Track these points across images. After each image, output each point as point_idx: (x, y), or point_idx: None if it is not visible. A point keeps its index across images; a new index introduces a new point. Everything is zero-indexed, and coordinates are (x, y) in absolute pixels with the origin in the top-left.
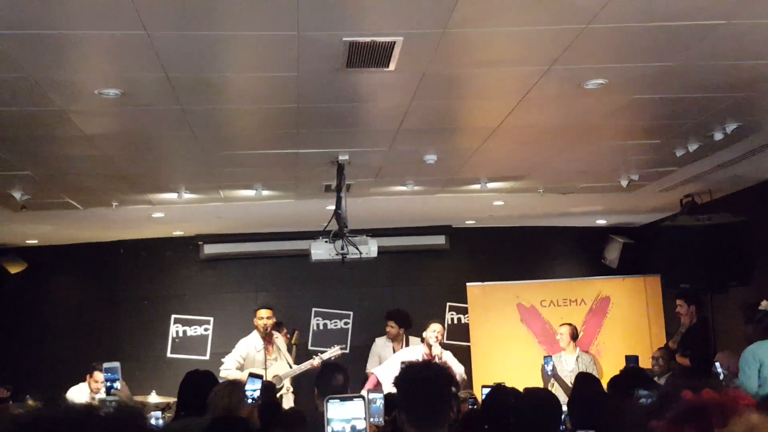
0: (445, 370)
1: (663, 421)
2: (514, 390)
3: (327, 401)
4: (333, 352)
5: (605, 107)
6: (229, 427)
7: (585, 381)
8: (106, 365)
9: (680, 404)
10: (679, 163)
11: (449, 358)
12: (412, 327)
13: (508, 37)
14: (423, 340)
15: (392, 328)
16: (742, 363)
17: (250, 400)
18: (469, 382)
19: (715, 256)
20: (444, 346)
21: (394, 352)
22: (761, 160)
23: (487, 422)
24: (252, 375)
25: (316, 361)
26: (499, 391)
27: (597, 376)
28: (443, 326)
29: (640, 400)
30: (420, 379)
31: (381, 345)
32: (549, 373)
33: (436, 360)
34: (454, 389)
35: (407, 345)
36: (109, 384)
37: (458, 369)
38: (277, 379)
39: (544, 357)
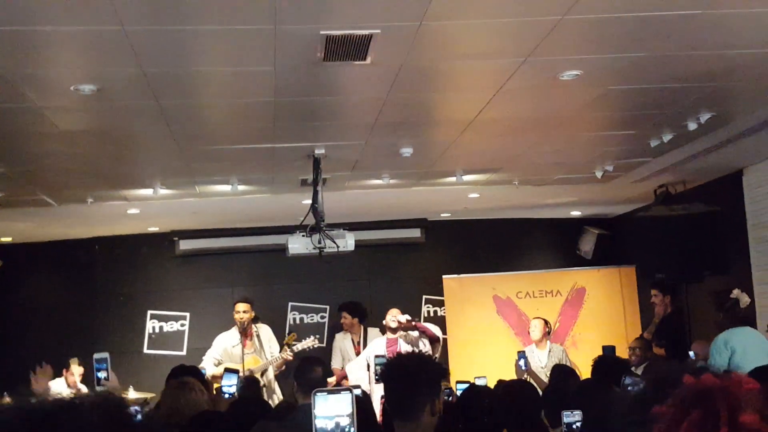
0: (422, 363)
1: (666, 406)
2: (487, 388)
3: (315, 395)
4: (306, 343)
5: (580, 98)
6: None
7: (561, 373)
8: (96, 356)
9: (683, 389)
10: (653, 154)
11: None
12: (368, 318)
13: (484, 29)
14: (383, 330)
15: (345, 318)
16: (713, 350)
17: (227, 396)
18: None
19: (689, 246)
20: None
21: (353, 343)
22: (735, 149)
23: (463, 421)
24: (228, 370)
25: (287, 354)
26: (473, 389)
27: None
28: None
29: (628, 387)
30: (397, 369)
31: (340, 339)
32: (523, 368)
33: (408, 328)
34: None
35: (365, 336)
36: (97, 374)
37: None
38: (249, 374)
39: (518, 352)
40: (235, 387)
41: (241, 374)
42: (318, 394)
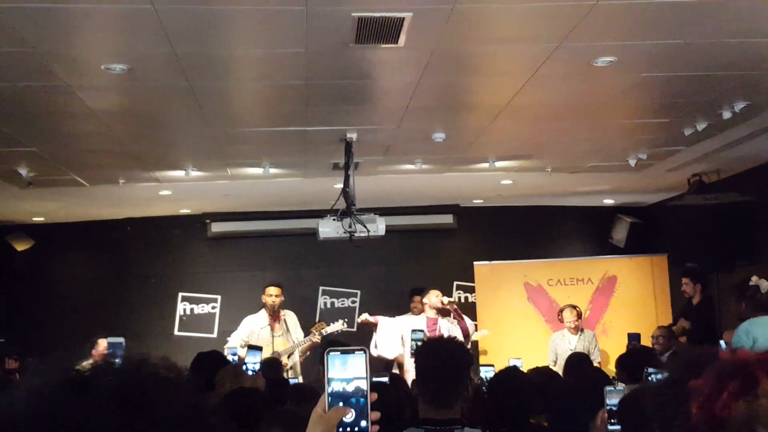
0: (463, 352)
1: (703, 379)
2: (519, 372)
3: (327, 354)
4: (335, 327)
5: (614, 85)
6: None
7: (578, 361)
8: (109, 340)
9: (719, 363)
10: (687, 142)
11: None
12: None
13: (518, 14)
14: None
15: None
16: (735, 339)
17: (250, 372)
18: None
19: (722, 236)
20: None
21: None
22: None
23: (493, 405)
24: (251, 347)
25: (316, 337)
26: (506, 374)
27: (598, 353)
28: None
29: (650, 377)
30: (436, 357)
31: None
32: None
33: (449, 312)
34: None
35: None
36: (111, 360)
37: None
38: (276, 356)
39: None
40: (258, 364)
41: (267, 357)
42: (331, 353)
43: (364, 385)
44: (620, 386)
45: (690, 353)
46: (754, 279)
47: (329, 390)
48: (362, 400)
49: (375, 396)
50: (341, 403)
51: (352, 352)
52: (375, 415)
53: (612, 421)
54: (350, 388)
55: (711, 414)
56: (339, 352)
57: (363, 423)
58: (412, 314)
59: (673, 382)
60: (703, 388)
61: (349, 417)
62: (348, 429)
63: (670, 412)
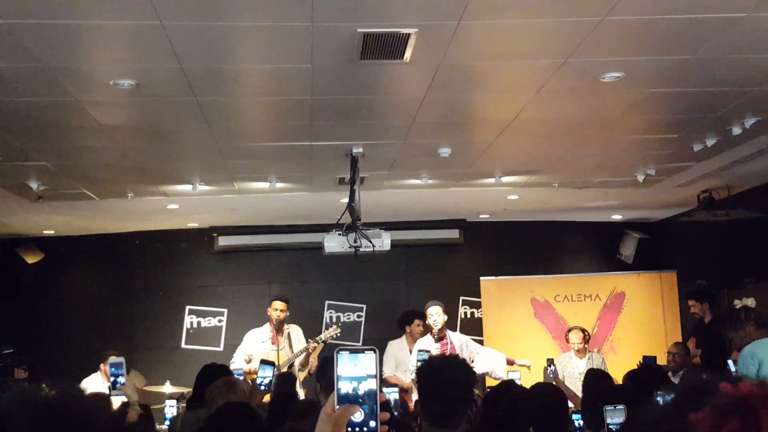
0: (466, 371)
1: (702, 414)
2: (512, 387)
3: (337, 353)
4: (330, 332)
5: (622, 101)
6: (234, 415)
7: (597, 378)
8: (111, 360)
9: (720, 396)
10: (696, 158)
11: (481, 350)
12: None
13: (524, 29)
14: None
15: (419, 326)
16: (740, 362)
17: (262, 387)
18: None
19: (732, 253)
20: None
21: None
22: None
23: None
24: (264, 362)
25: (312, 344)
26: (495, 391)
27: None
28: (440, 305)
29: (658, 398)
30: (439, 376)
31: (397, 347)
32: (551, 375)
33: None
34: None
35: None
36: (114, 379)
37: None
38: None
39: (547, 360)
40: (269, 378)
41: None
42: (341, 352)
43: (373, 384)
44: (620, 406)
45: (694, 381)
46: (738, 303)
47: (338, 389)
48: (372, 400)
49: (384, 396)
50: (350, 403)
51: (362, 351)
52: (384, 416)
53: None
54: (360, 387)
55: None
56: (349, 351)
57: (372, 423)
58: (410, 335)
59: (674, 409)
60: (702, 423)
61: (358, 416)
62: (357, 428)
63: None
